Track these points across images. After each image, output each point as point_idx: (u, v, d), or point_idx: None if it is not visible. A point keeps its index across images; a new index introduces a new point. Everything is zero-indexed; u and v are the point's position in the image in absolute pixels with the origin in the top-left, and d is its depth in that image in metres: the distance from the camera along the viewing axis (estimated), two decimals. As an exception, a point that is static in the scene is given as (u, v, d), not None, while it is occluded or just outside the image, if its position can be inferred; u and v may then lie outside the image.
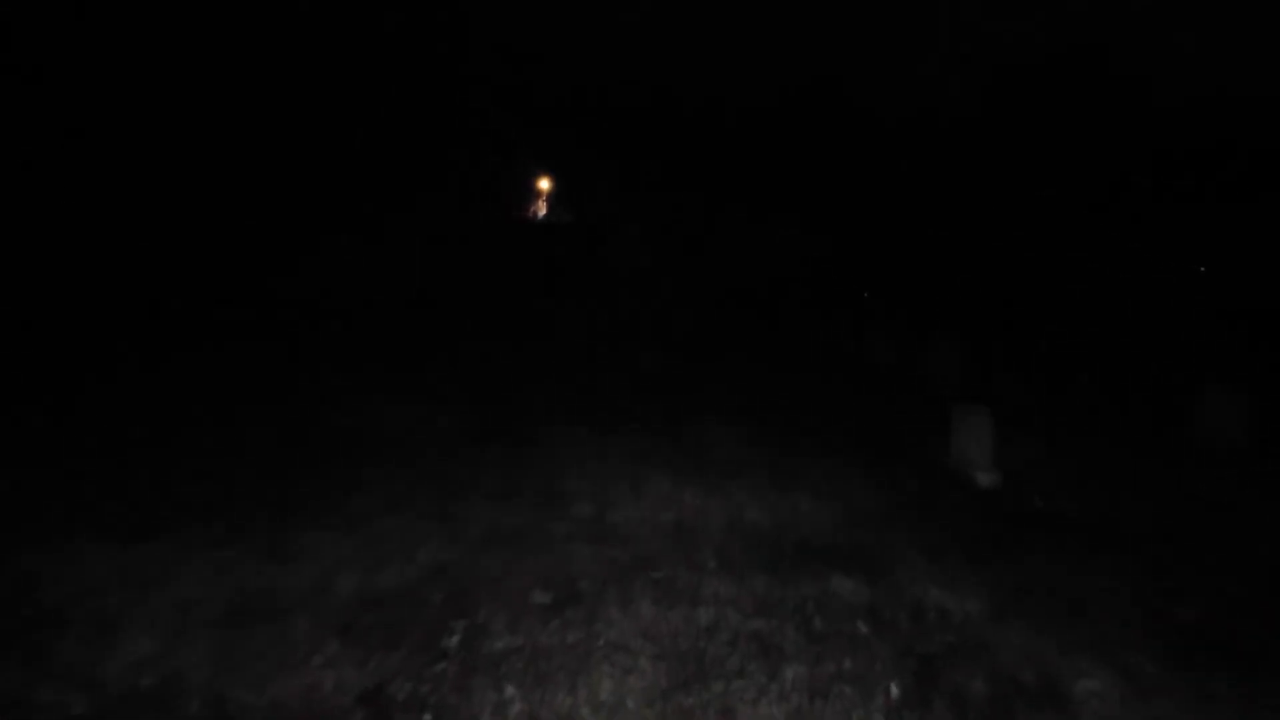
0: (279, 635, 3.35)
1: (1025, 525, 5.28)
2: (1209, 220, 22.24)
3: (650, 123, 23.44)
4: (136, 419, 6.42)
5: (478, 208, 20.96)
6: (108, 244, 18.72)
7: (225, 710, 2.85)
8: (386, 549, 4.18)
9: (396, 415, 6.98)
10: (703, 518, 4.90)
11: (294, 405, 7.19)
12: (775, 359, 12.46)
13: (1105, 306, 17.38)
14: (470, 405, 7.69)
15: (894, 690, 3.18)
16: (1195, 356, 12.72)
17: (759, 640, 3.48)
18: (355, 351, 10.67)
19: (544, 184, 32.23)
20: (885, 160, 24.91)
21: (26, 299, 13.93)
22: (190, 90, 19.67)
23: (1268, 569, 4.67)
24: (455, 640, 3.36)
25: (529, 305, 16.82)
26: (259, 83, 19.54)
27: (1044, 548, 4.87)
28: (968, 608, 3.96)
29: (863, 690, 3.15)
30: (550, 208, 32.45)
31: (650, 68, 23.01)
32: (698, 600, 3.82)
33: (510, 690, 3.01)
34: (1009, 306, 16.75)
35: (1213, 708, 3.20)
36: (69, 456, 5.40)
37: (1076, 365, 11.02)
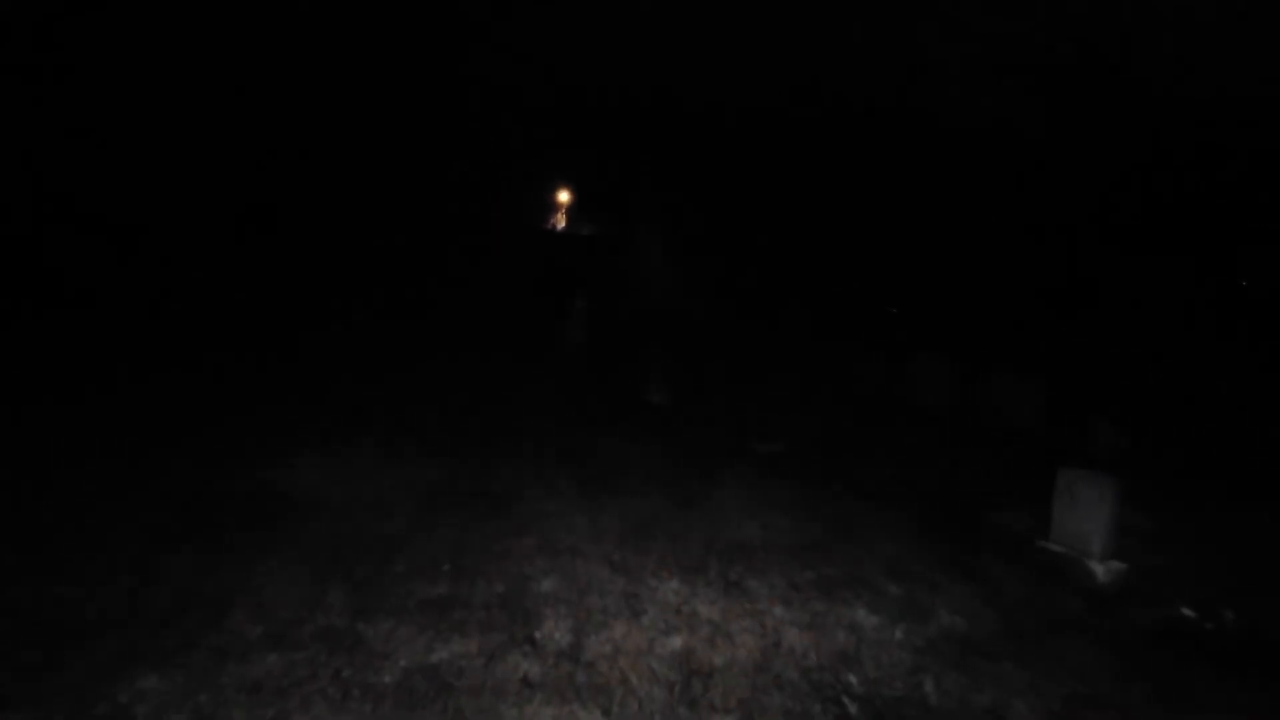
0: None
1: (1179, 649, 3.74)
2: (1233, 230, 20.27)
3: (653, 125, 22.24)
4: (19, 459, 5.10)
5: (481, 213, 19.77)
6: (105, 244, 17.92)
7: None
8: (244, 716, 2.77)
9: (337, 465, 5.59)
10: (723, 647, 3.43)
11: (221, 440, 5.83)
12: (792, 383, 10.94)
13: (1169, 328, 15.42)
14: (437, 445, 6.29)
15: None
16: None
17: None
18: (326, 369, 9.35)
19: (563, 196, 31.62)
20: (899, 163, 23.41)
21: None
22: (190, 92, 18.79)
23: None
24: None
25: (531, 312, 15.48)
26: (258, 83, 18.57)
27: (1220, 692, 3.34)
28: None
29: None
30: (570, 219, 31.75)
31: (653, 69, 21.83)
32: (714, 831, 2.36)
33: None
34: (1074, 328, 14.81)
35: None
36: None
37: (1167, 403, 9.26)
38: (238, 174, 18.68)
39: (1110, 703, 3.25)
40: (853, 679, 3.27)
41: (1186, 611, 4.20)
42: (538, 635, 3.41)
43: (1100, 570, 4.45)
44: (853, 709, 3.05)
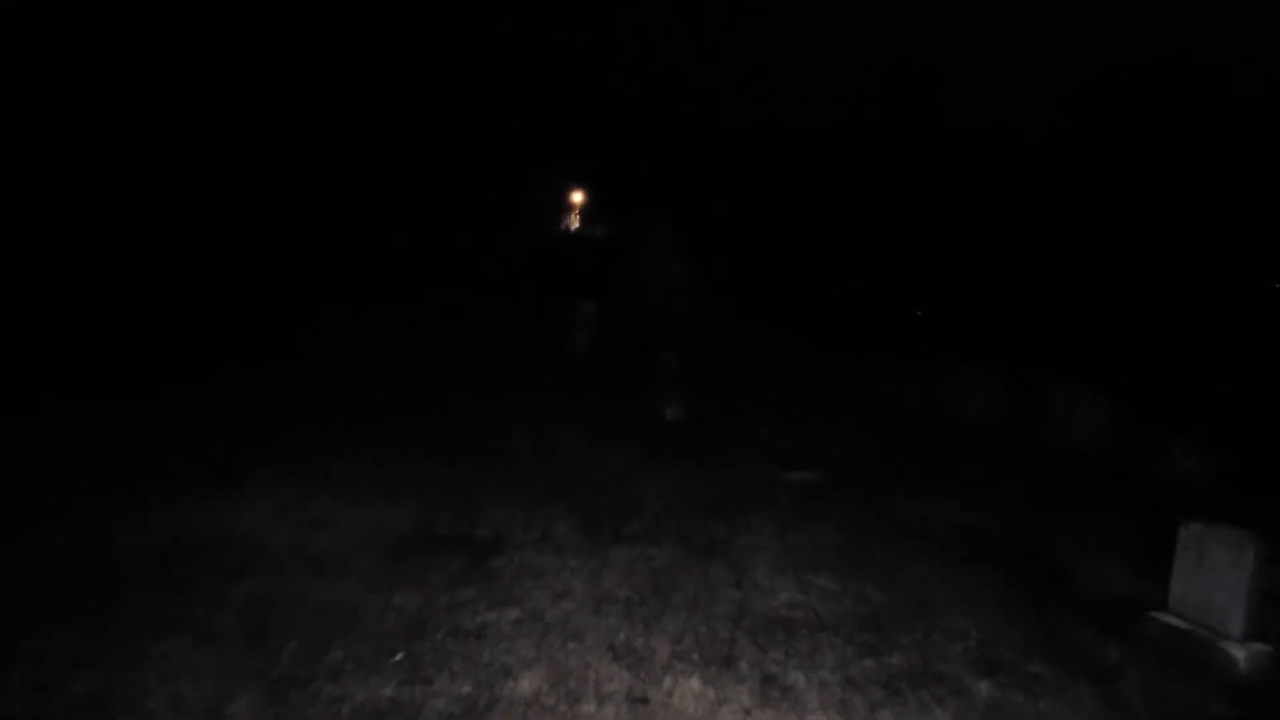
0: None
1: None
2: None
3: (656, 127, 21.46)
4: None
5: (484, 214, 18.95)
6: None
7: None
8: None
9: (294, 501, 4.65)
10: (765, 791, 2.43)
11: (159, 467, 4.91)
12: (812, 393, 9.94)
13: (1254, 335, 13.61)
14: (417, 473, 5.35)
15: None
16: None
17: None
18: (312, 377, 8.47)
19: (577, 197, 30.99)
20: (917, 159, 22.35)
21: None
22: (188, 93, 18.15)
23: None
24: None
25: (533, 315, 14.58)
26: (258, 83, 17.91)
27: None
28: None
29: None
30: (584, 220, 31.12)
31: (653, 70, 21.15)
32: None
33: None
34: (1139, 335, 12.99)
35: None
36: None
37: (1256, 423, 7.97)
38: (238, 174, 18.04)
39: None
40: None
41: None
42: (508, 773, 2.43)
43: (1241, 656, 3.41)
44: None
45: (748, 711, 2.81)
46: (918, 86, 25.32)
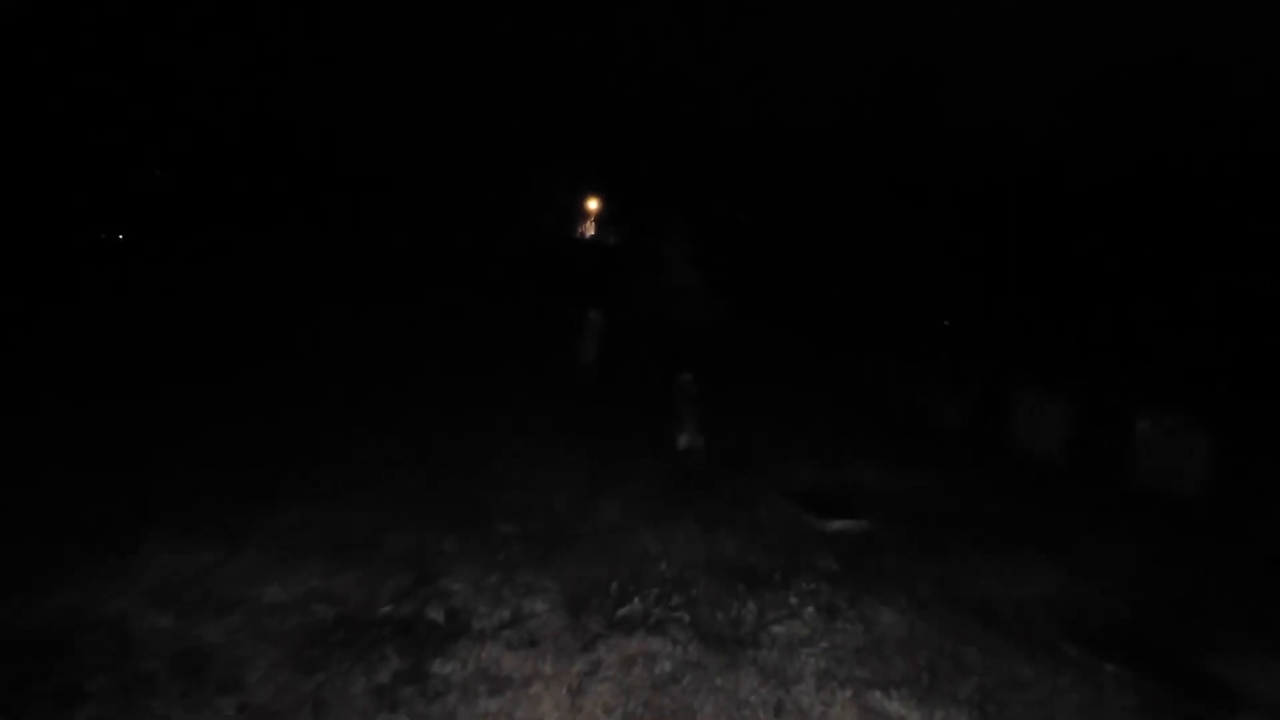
0: None
1: None
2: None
3: (657, 122, 20.50)
4: None
5: (488, 217, 17.91)
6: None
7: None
8: None
9: (201, 566, 3.44)
10: None
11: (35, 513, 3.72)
12: (837, 414, 8.76)
13: None
14: (372, 521, 4.14)
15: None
16: None
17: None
18: (285, 387, 7.27)
19: (592, 204, 30.19)
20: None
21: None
22: (186, 93, 17.11)
23: None
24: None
25: (534, 322, 13.52)
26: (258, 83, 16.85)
27: None
28: None
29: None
30: (599, 227, 30.30)
31: (654, 71, 20.23)
32: None
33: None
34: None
35: None
36: None
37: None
38: (238, 174, 17.05)
39: None
40: None
41: None
42: None
43: None
44: None
45: None
46: (918, 86, 24.23)
